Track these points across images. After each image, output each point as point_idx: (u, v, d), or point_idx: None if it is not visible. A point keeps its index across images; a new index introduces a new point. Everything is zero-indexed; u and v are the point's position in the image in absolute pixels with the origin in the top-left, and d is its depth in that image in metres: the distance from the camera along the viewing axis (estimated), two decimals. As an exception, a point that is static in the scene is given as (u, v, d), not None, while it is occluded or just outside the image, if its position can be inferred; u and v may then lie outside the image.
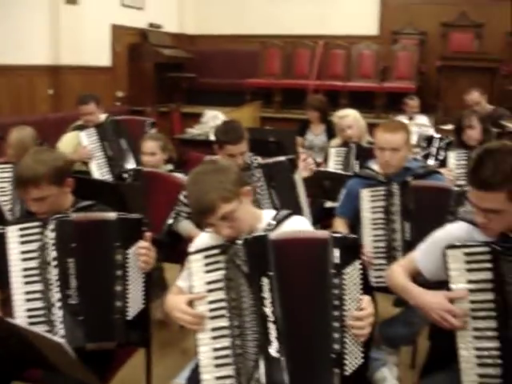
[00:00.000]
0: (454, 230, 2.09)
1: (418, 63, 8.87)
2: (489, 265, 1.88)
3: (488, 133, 4.27)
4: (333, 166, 4.38)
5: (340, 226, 3.24)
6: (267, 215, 2.16)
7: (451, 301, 1.91)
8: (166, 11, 9.76)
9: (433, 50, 9.04)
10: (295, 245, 1.90)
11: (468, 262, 1.90)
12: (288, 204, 3.33)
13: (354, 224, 3.21)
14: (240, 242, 1.90)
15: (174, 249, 3.44)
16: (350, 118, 4.55)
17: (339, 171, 4.12)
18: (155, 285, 3.28)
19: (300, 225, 2.14)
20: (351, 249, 1.88)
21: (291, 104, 8.68)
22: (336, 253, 1.86)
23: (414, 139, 6.05)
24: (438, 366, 2.13)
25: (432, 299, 1.97)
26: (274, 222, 2.09)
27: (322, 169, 4.19)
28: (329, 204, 4.02)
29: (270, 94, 9.02)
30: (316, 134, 5.78)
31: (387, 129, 3.11)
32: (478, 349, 1.89)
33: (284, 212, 2.16)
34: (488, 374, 1.88)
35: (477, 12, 8.96)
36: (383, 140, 3.08)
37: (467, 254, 1.90)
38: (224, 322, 1.93)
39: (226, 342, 1.92)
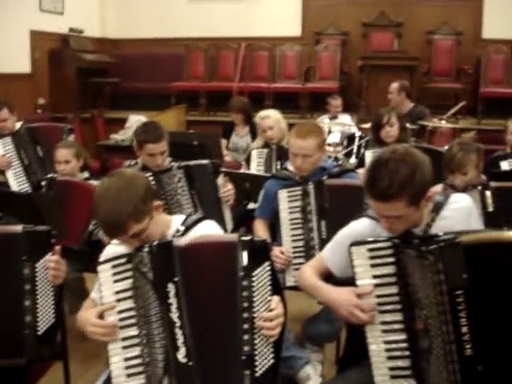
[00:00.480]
0: (358, 227, 2.15)
1: (340, 63, 8.99)
2: (392, 259, 1.92)
3: (404, 131, 4.38)
4: (255, 167, 4.41)
5: (260, 228, 3.26)
6: (177, 221, 2.15)
7: (359, 296, 1.95)
8: (87, 15, 9.56)
9: (355, 50, 9.19)
10: (202, 250, 1.90)
11: (372, 258, 1.94)
12: (209, 207, 3.33)
13: (274, 224, 3.23)
14: (145, 249, 1.88)
15: (94, 258, 3.37)
16: (270, 119, 4.57)
17: (257, 172, 4.15)
18: (76, 295, 3.21)
19: (210, 229, 2.14)
20: (259, 251, 1.90)
21: (217, 107, 8.68)
22: (244, 255, 1.88)
23: (337, 138, 6.18)
24: (353, 361, 2.16)
25: (340, 295, 2.00)
26: (183, 228, 2.09)
27: (241, 171, 4.20)
28: (252, 205, 4.03)
29: (195, 97, 8.98)
30: (241, 136, 5.81)
31: (299, 135, 3.12)
32: (386, 342, 1.93)
33: (193, 217, 2.16)
34: (398, 366, 1.92)
35: (396, 12, 9.16)
36: (295, 146, 3.12)
37: (371, 250, 1.94)
38: (133, 331, 1.91)
39: (136, 351, 1.90)
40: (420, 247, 1.83)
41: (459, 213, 2.17)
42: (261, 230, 3.24)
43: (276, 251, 3.04)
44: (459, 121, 7.93)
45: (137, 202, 1.91)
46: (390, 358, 1.92)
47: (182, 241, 1.92)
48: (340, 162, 5.08)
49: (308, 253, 2.98)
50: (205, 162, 3.47)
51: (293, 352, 2.95)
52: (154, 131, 3.36)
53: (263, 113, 4.70)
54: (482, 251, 1.78)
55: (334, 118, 6.81)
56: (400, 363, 1.92)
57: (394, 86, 6.13)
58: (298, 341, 3.27)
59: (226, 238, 2.00)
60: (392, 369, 1.92)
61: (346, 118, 6.87)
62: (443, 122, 6.01)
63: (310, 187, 3.00)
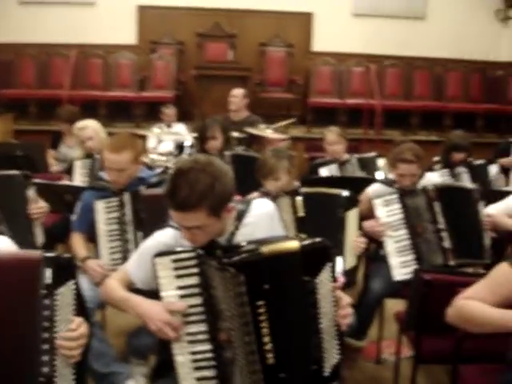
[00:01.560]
0: (162, 238, 2.11)
1: (176, 72, 8.99)
2: (196, 270, 1.91)
3: (229, 142, 4.42)
4: (78, 178, 4.25)
5: (76, 242, 3.15)
6: None
7: (170, 311, 1.91)
8: None
9: (190, 60, 9.22)
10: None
11: (176, 269, 1.91)
12: (16, 221, 3.13)
13: (92, 237, 3.13)
14: None
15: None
16: (89, 129, 4.43)
17: (75, 184, 4.01)
18: None
19: (1, 245, 1.99)
20: (65, 268, 1.79)
21: (48, 115, 8.28)
22: (48, 273, 1.76)
23: (169, 147, 6.16)
24: (164, 373, 2.12)
25: (151, 309, 1.95)
26: None
27: (61, 182, 4.05)
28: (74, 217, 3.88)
29: (24, 105, 8.54)
30: (70, 147, 5.57)
31: (112, 149, 3.05)
32: (192, 353, 1.91)
33: None
34: (204, 376, 1.91)
35: (230, 23, 9.33)
36: (109, 160, 3.05)
37: (175, 261, 1.91)
38: None
39: None
40: (222, 259, 1.83)
41: (261, 218, 2.21)
42: (77, 244, 3.12)
43: (93, 264, 2.94)
44: (290, 130, 8.22)
45: None
46: (197, 368, 1.91)
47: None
48: (170, 172, 5.06)
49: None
50: (13, 172, 3.26)
51: (113, 368, 2.87)
52: None
53: (81, 123, 4.54)
54: (279, 261, 1.82)
55: (168, 126, 6.78)
56: (206, 373, 1.91)
57: (240, 91, 6.23)
58: (123, 356, 3.20)
59: (29, 255, 1.88)
60: (199, 379, 1.91)
61: (180, 128, 6.87)
62: (270, 130, 6.18)
63: (126, 198, 2.94)
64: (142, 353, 3.16)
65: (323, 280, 1.88)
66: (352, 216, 3.11)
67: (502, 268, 2.07)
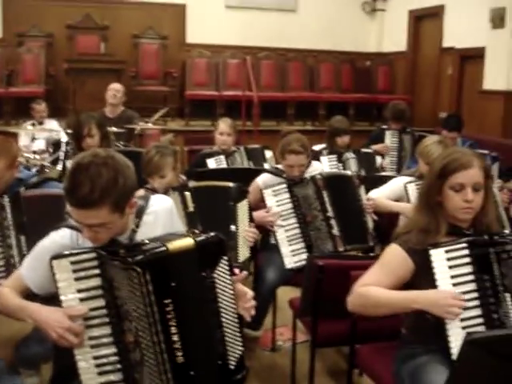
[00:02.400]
0: (58, 239, 1.99)
1: (45, 66, 8.61)
2: (97, 271, 1.83)
3: (107, 137, 4.28)
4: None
5: None
6: None
7: (71, 318, 1.81)
8: None
9: (61, 53, 8.86)
10: None
11: (75, 271, 1.82)
12: None
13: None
14: None
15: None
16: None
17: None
18: None
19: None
20: None
21: None
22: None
23: (42, 145, 5.89)
24: (64, 381, 2.03)
25: (50, 316, 1.84)
26: None
27: None
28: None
29: None
30: None
31: None
32: (96, 358, 1.84)
33: None
34: (110, 380, 1.85)
35: (102, 15, 9.08)
36: None
37: (74, 263, 1.82)
38: None
39: None
40: (126, 258, 1.75)
41: (161, 214, 2.17)
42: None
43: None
44: (168, 123, 8.15)
45: None
46: (101, 373, 1.84)
47: None
48: (47, 171, 4.85)
49: (9, 272, 2.72)
50: None
51: (2, 381, 2.71)
52: None
53: None
54: (179, 258, 1.79)
55: (40, 123, 6.48)
56: (112, 377, 1.85)
57: (121, 86, 6.10)
58: (11, 366, 3.03)
59: None
60: (103, 384, 1.85)
61: (53, 124, 6.57)
62: (150, 124, 6.09)
63: (6, 201, 2.76)
64: (33, 362, 3.01)
65: (221, 274, 1.87)
66: (242, 207, 3.14)
67: (393, 249, 2.17)
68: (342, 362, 3.40)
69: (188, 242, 1.82)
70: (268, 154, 5.01)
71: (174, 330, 1.74)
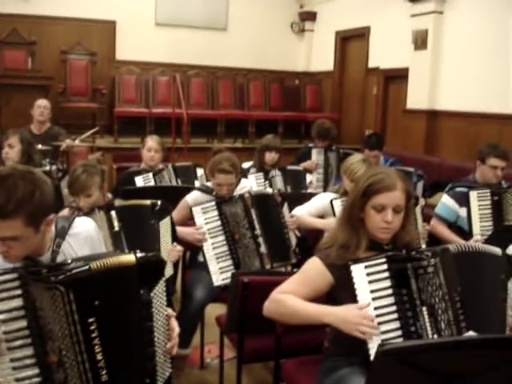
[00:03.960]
0: None
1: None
2: (19, 291, 1.81)
3: (28, 155, 4.22)
4: None
5: None
6: None
7: None
8: None
9: (-14, 67, 8.66)
10: None
11: (-2, 292, 1.80)
12: None
13: None
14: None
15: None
16: None
17: None
18: None
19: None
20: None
21: None
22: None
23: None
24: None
25: None
26: None
27: None
28: None
29: None
30: None
31: None
32: (18, 380, 1.81)
33: None
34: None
35: (29, 30, 8.91)
36: None
37: (-8, 285, 1.80)
38: None
39: None
40: (49, 278, 1.74)
41: (83, 237, 2.17)
42: None
43: None
44: (96, 140, 8.06)
45: None
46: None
47: None
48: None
49: None
50: None
51: None
52: None
53: None
54: (113, 276, 1.79)
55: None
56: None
57: (47, 103, 6.01)
58: None
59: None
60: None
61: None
62: (77, 141, 6.02)
63: None
64: None
65: (158, 294, 1.89)
66: (164, 225, 3.16)
67: (313, 262, 2.24)
68: (269, 377, 3.44)
69: (127, 259, 1.83)
70: (199, 171, 5.05)
71: (97, 348, 1.74)
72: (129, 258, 1.84)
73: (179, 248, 3.20)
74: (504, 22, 6.93)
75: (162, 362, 1.93)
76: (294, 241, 3.60)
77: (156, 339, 1.89)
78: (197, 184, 4.66)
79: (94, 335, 1.74)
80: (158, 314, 1.90)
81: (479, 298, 2.08)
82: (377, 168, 2.95)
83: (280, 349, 2.65)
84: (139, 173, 4.59)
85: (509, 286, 2.13)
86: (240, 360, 2.85)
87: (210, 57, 10.08)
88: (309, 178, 5.45)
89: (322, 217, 3.76)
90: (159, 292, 1.90)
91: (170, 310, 1.97)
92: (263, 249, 3.44)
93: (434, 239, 3.86)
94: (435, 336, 1.99)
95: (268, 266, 3.43)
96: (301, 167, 5.56)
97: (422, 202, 4.46)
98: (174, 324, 1.99)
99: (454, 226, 4.09)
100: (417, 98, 8.19)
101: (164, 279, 1.92)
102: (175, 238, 3.23)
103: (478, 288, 2.09)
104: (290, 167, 5.40)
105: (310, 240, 3.79)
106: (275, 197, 3.60)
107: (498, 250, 2.19)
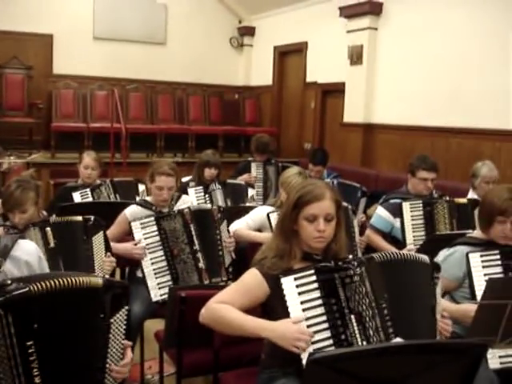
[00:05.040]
0: None
1: None
2: None
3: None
4: None
5: None
6: None
7: None
8: None
9: None
10: None
11: None
12: None
13: None
14: None
15: None
16: None
17: None
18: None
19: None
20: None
21: None
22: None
23: None
24: None
25: None
26: None
27: None
28: None
29: None
30: None
31: None
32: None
33: None
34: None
35: None
36: None
37: None
38: None
39: None
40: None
41: (24, 261, 2.15)
42: None
43: None
44: (33, 155, 7.92)
45: None
46: None
47: None
48: None
49: None
50: None
51: None
52: None
53: None
54: (60, 297, 1.76)
55: None
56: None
57: None
58: None
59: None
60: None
61: None
62: (12, 158, 5.92)
63: None
64: None
65: (117, 321, 1.88)
66: (97, 239, 3.17)
67: (251, 272, 2.28)
68: (209, 391, 3.45)
69: (93, 281, 1.80)
70: (141, 187, 5.02)
71: (35, 372, 1.71)
72: (96, 279, 1.81)
73: (112, 259, 3.20)
74: (432, 38, 7.19)
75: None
76: (228, 260, 3.62)
77: (107, 367, 1.87)
78: (138, 199, 4.64)
79: (31, 358, 1.69)
80: (114, 342, 1.88)
81: (407, 304, 2.15)
82: (306, 180, 3.02)
83: (218, 362, 2.67)
84: (76, 188, 4.55)
85: (437, 291, 2.21)
86: (179, 375, 2.85)
87: (149, 71, 10.06)
88: (251, 192, 5.49)
89: (259, 230, 3.81)
90: (119, 320, 1.88)
91: (126, 341, 1.94)
92: (202, 264, 3.46)
93: (371, 249, 3.97)
94: (364, 343, 2.05)
95: (207, 282, 3.45)
96: (242, 181, 5.61)
97: (362, 217, 4.60)
98: (129, 353, 1.96)
99: (389, 236, 4.21)
100: (353, 111, 8.37)
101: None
102: (108, 250, 3.22)
103: (405, 295, 2.16)
104: (230, 181, 5.43)
105: (248, 254, 3.82)
106: (214, 212, 3.62)
107: (425, 258, 2.27)
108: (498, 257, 2.73)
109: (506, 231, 2.75)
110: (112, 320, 1.86)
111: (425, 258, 2.27)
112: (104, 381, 1.87)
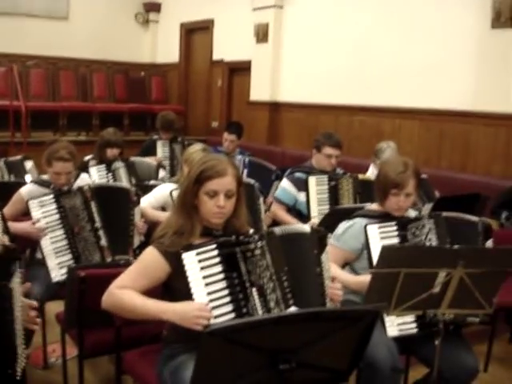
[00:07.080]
0: None
1: None
2: None
3: None
4: None
5: None
6: None
7: None
8: None
9: None
10: None
11: None
12: None
13: None
14: None
15: None
16: None
17: None
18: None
19: None
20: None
21: None
22: None
23: None
24: None
25: None
26: None
27: None
28: None
29: None
30: None
31: None
32: None
33: None
34: None
35: None
36: None
37: None
38: None
39: None
40: None
41: None
42: None
43: None
44: None
45: None
46: None
47: None
48: None
49: None
50: None
51: None
52: None
53: None
54: None
55: None
56: None
57: None
58: None
59: None
60: None
61: None
62: None
63: None
64: None
65: (15, 285, 1.87)
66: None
67: (149, 251, 2.26)
68: (113, 370, 3.40)
69: None
70: (28, 164, 4.84)
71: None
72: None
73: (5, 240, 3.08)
74: (336, 17, 7.32)
75: (20, 354, 1.92)
76: (137, 241, 3.56)
77: (16, 330, 1.88)
78: (27, 178, 4.48)
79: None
80: (17, 305, 1.89)
81: (302, 275, 2.20)
82: (208, 155, 3.02)
83: (120, 340, 2.64)
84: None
85: (323, 259, 2.26)
86: (81, 355, 2.81)
87: (51, 47, 9.70)
88: (161, 173, 5.40)
89: (163, 208, 3.77)
90: (17, 283, 1.88)
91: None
92: (104, 242, 3.39)
93: (277, 225, 4.02)
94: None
95: (109, 259, 3.39)
96: (153, 160, 5.53)
97: (270, 198, 4.63)
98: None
99: (293, 210, 4.29)
100: (259, 90, 8.42)
101: (20, 271, 1.90)
102: (9, 233, 3.10)
103: (300, 266, 2.20)
104: (134, 158, 5.32)
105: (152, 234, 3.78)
106: (130, 193, 3.54)
107: (306, 228, 2.31)
108: (395, 228, 2.81)
109: (400, 203, 2.84)
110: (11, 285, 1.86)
111: (306, 227, 2.30)
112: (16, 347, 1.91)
